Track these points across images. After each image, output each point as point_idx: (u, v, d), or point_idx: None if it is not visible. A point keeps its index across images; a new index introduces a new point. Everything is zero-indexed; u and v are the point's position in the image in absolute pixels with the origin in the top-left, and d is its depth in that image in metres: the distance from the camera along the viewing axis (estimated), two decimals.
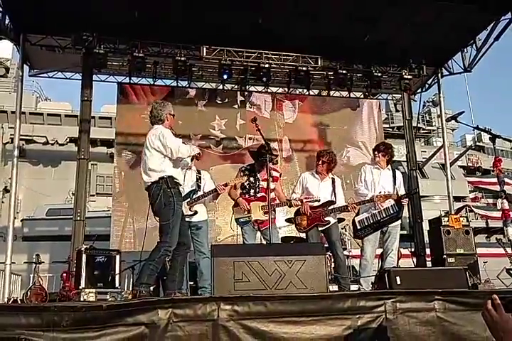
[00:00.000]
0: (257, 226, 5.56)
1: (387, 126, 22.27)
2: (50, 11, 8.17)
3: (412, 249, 9.64)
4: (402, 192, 5.74)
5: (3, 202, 15.78)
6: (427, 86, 11.07)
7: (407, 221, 10.74)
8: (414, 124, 11.32)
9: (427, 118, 26.90)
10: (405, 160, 10.78)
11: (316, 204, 5.63)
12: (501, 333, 1.64)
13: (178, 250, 4.53)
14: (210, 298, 3.09)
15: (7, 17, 8.59)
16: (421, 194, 16.64)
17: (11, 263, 8.16)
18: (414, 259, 8.84)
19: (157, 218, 4.45)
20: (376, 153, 5.83)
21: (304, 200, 5.60)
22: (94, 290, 6.19)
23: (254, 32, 8.78)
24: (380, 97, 11.67)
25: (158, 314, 2.95)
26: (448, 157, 10.68)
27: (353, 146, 10.72)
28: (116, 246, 7.97)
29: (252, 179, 5.64)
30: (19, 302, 6.42)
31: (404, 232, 12.49)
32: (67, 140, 18.03)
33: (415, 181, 10.12)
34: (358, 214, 5.77)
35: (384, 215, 5.44)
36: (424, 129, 26.22)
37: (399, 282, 3.69)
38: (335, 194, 5.69)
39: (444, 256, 7.17)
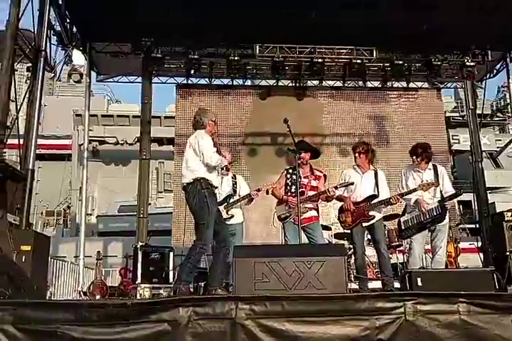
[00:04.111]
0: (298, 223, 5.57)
1: (457, 114, 21.09)
2: (111, 19, 8.60)
3: (479, 244, 9.24)
4: (447, 184, 5.53)
5: (80, 200, 16.83)
6: (495, 71, 10.47)
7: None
8: (480, 112, 10.67)
9: (502, 105, 24.99)
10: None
11: (358, 199, 5.58)
12: None
13: (218, 248, 4.72)
14: (229, 298, 3.22)
15: (74, 27, 9.18)
16: (494, 185, 15.78)
17: (83, 258, 8.77)
18: (481, 255, 8.48)
19: (193, 217, 4.68)
20: (415, 158, 5.62)
21: (339, 186, 5.58)
22: (149, 286, 6.55)
23: (307, 26, 8.68)
24: (445, 86, 11.20)
25: (179, 312, 3.11)
26: None
27: None
28: (177, 242, 8.30)
29: (294, 177, 5.68)
30: (82, 295, 6.91)
31: (474, 226, 11.96)
32: (135, 140, 18.83)
33: (481, 173, 9.64)
34: (403, 214, 5.65)
35: (427, 217, 5.31)
36: (498, 116, 24.44)
37: (420, 283, 3.63)
38: (377, 187, 5.60)
39: (507, 253, 6.86)
